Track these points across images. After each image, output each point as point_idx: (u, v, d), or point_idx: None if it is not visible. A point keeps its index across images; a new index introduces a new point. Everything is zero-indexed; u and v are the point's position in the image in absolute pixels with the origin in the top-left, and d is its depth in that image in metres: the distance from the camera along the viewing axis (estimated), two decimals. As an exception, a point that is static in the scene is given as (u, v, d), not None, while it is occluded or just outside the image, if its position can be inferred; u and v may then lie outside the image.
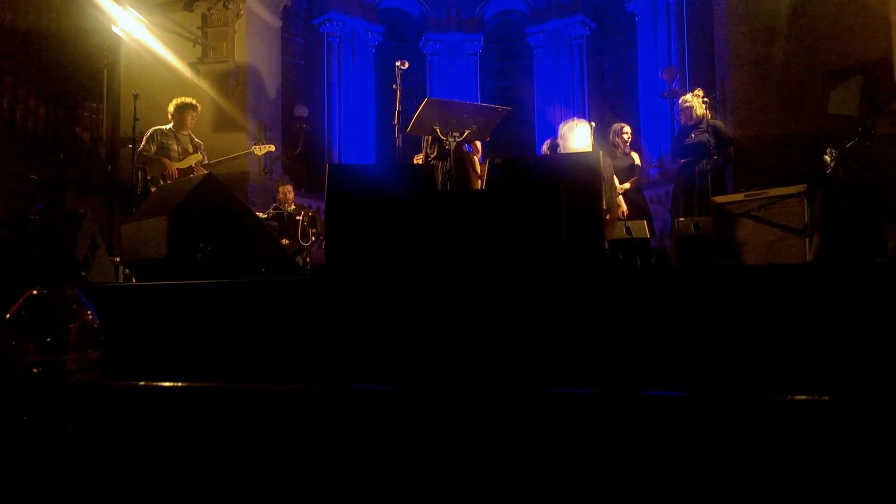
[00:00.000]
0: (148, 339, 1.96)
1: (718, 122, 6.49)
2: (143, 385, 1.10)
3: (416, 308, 2.24)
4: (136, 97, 6.36)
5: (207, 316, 1.90)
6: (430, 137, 5.48)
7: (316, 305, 2.31)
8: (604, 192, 4.65)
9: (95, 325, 1.12)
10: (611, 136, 6.78)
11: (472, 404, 1.24)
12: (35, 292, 1.11)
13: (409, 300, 2.27)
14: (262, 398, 1.06)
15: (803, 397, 0.94)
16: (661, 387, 1.69)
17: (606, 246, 4.53)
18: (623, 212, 5.81)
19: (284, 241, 7.59)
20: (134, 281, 4.11)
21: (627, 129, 6.67)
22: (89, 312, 1.12)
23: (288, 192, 8.41)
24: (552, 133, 12.18)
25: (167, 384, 1.09)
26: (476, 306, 2.17)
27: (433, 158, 5.48)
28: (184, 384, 1.06)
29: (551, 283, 2.15)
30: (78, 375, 1.07)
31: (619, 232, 5.35)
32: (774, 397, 1.03)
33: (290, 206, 8.36)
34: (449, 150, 4.78)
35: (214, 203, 3.65)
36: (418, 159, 5.61)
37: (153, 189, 5.85)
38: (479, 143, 5.37)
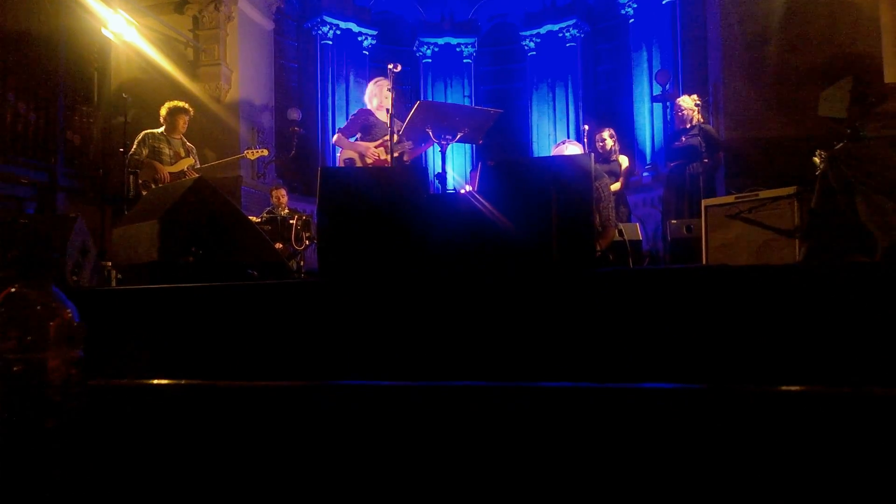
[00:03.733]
0: (136, 344, 1.95)
1: (709, 126, 6.53)
2: (124, 383, 1.09)
3: (408, 312, 2.23)
4: (126, 100, 6.33)
5: (197, 320, 1.89)
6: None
7: (307, 309, 2.30)
8: (600, 209, 4.68)
9: (75, 324, 1.11)
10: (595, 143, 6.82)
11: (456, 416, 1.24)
12: (14, 290, 1.11)
13: (401, 304, 2.26)
14: (245, 395, 1.05)
15: (795, 388, 0.94)
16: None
17: (598, 249, 4.54)
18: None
19: (278, 245, 7.58)
20: (125, 284, 4.09)
21: (606, 134, 6.68)
22: (69, 311, 1.11)
23: (281, 195, 8.40)
24: (546, 135, 12.24)
25: (147, 382, 1.09)
26: (469, 311, 2.17)
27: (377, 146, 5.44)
28: (166, 381, 1.05)
29: (543, 288, 2.15)
30: (58, 373, 1.06)
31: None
32: (765, 388, 1.03)
33: (283, 209, 8.34)
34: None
35: (206, 206, 3.63)
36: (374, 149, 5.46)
37: (145, 193, 5.83)
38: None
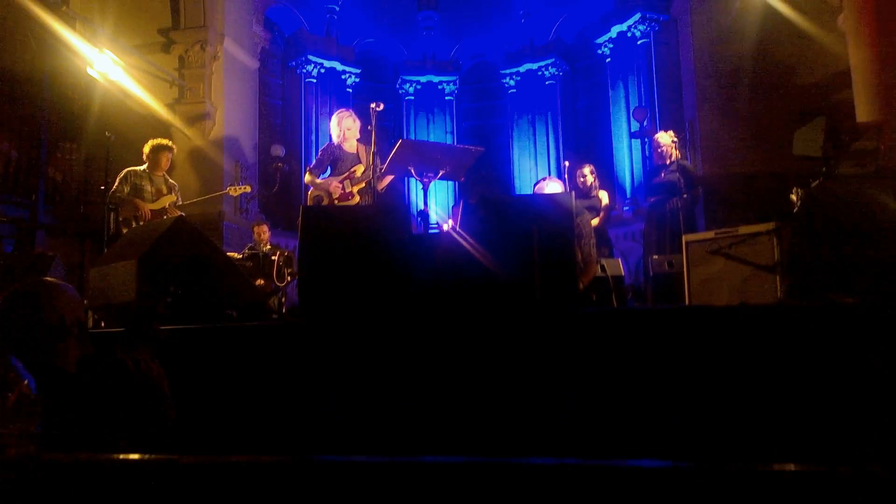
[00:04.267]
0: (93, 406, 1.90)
1: (687, 163, 6.63)
2: (84, 459, 1.05)
3: (390, 358, 2.21)
4: (109, 138, 6.31)
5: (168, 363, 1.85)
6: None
7: (285, 354, 2.27)
8: (581, 245, 4.70)
9: (32, 397, 1.07)
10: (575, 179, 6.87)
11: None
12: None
13: (382, 349, 2.24)
14: (212, 473, 1.02)
15: (791, 467, 0.92)
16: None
17: (581, 286, 4.55)
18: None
19: (259, 282, 7.51)
20: (102, 326, 4.02)
21: (586, 170, 6.75)
22: (26, 383, 1.08)
23: (263, 231, 8.37)
24: (527, 171, 12.36)
25: (110, 457, 1.04)
26: (449, 359, 2.15)
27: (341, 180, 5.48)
28: (127, 457, 1.01)
29: (526, 331, 2.14)
30: (14, 449, 1.02)
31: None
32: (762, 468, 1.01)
33: (265, 245, 8.30)
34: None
35: (185, 246, 3.60)
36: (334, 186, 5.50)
37: (125, 230, 5.77)
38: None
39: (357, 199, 5.42)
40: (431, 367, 2.21)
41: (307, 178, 5.74)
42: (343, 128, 5.59)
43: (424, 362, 2.22)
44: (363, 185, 5.38)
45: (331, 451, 1.89)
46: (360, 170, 5.44)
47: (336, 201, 5.45)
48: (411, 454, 1.81)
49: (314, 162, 5.81)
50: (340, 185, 5.45)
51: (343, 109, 5.80)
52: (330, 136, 5.87)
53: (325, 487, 1.23)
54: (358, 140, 5.62)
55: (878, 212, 2.81)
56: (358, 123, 5.59)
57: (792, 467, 1.29)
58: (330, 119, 12.13)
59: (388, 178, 5.37)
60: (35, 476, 1.03)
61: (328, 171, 5.64)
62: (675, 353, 2.08)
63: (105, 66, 7.93)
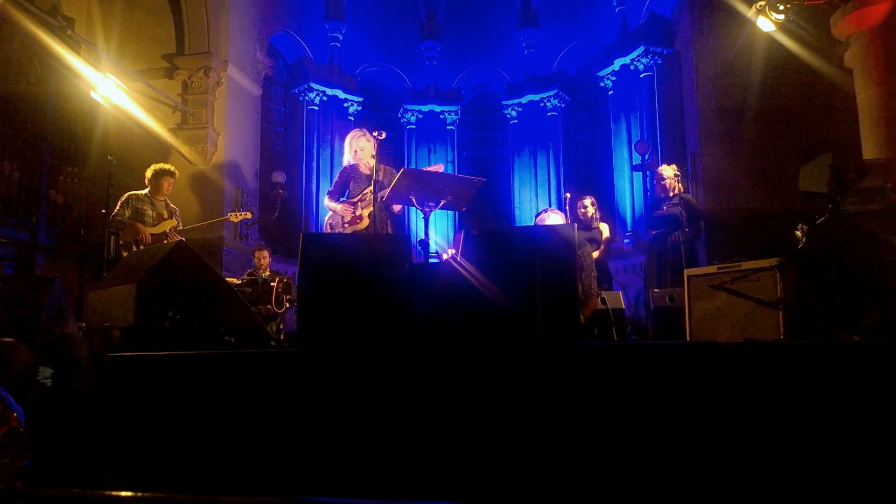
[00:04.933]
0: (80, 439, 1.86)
1: (689, 196, 6.64)
2: (73, 494, 1.01)
3: (387, 388, 2.17)
4: (111, 161, 6.33)
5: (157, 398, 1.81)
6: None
7: (281, 383, 2.23)
8: (582, 278, 4.68)
9: (21, 430, 1.04)
10: (576, 210, 6.88)
11: None
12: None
13: (380, 378, 2.20)
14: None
15: None
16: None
17: (582, 319, 4.51)
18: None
19: (259, 308, 7.47)
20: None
21: (587, 201, 6.76)
22: (15, 415, 1.05)
23: (263, 257, 8.36)
24: (528, 201, 12.39)
25: (101, 494, 1.01)
26: (448, 394, 2.11)
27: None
28: (119, 494, 0.97)
29: (528, 365, 2.11)
30: (0, 485, 0.98)
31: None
32: None
33: (265, 271, 8.28)
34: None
35: (184, 271, 3.58)
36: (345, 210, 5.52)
37: (125, 254, 5.76)
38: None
39: (366, 222, 5.38)
40: (430, 398, 2.17)
41: (325, 201, 5.74)
42: (355, 147, 5.57)
43: (423, 394, 2.18)
44: (372, 207, 5.35)
45: (325, 489, 1.84)
46: (370, 191, 5.40)
47: (347, 225, 5.42)
48: (409, 496, 1.76)
49: (332, 186, 5.80)
50: (351, 209, 5.44)
51: (357, 129, 5.78)
52: (344, 158, 5.87)
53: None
54: (376, 160, 5.55)
55: (884, 250, 2.80)
56: (373, 143, 5.43)
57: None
58: (332, 146, 12.25)
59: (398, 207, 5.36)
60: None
61: (346, 194, 5.63)
62: (678, 389, 2.04)
63: (108, 91, 7.98)
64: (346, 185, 5.61)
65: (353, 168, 5.59)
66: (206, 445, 2.09)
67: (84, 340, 3.28)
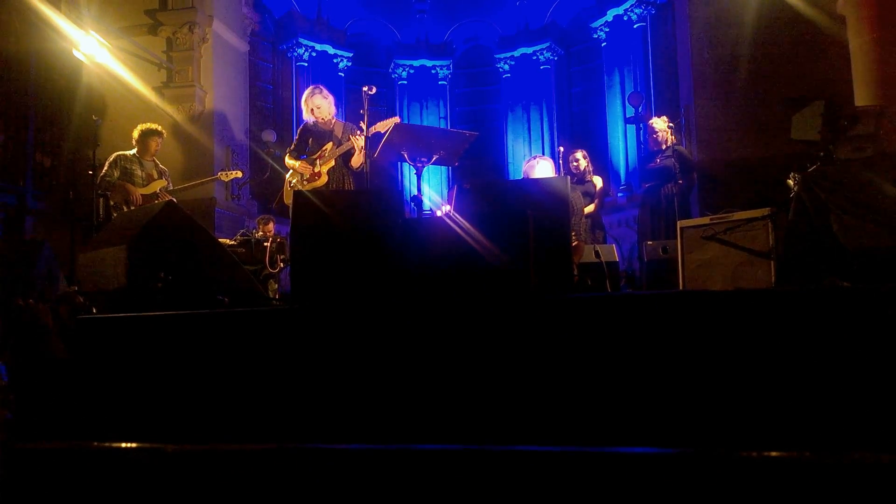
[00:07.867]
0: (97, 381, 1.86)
1: (682, 148, 6.59)
2: (54, 447, 1.01)
3: (382, 344, 2.18)
4: (96, 121, 6.23)
5: (153, 358, 1.82)
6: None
7: (276, 340, 2.24)
8: (571, 223, 4.67)
9: (3, 384, 1.04)
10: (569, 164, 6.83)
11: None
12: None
13: (374, 334, 2.21)
14: (201, 461, 0.98)
15: (775, 454, 0.90)
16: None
17: (575, 271, 4.53)
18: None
19: (252, 268, 7.46)
20: (94, 312, 3.97)
21: (579, 155, 6.69)
22: None
23: (269, 230, 8.34)
24: (521, 156, 12.31)
25: (91, 444, 1.01)
26: (442, 346, 2.12)
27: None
28: (111, 445, 0.97)
29: (521, 317, 2.11)
30: None
31: (588, 255, 5.35)
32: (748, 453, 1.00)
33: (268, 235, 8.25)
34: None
35: (176, 231, 3.55)
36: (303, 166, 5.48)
37: (116, 215, 5.71)
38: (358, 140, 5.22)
39: (325, 178, 5.35)
40: (424, 353, 2.18)
41: (286, 160, 5.69)
42: (311, 106, 5.51)
43: (417, 348, 2.20)
44: (332, 163, 5.34)
45: (320, 439, 1.87)
46: (329, 147, 5.37)
47: (305, 182, 5.41)
48: (403, 442, 1.79)
49: (293, 144, 5.75)
50: (311, 167, 5.42)
51: (311, 87, 5.73)
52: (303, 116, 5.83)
53: (312, 475, 1.20)
54: (336, 117, 5.53)
55: (876, 196, 2.80)
56: (330, 99, 5.49)
57: (775, 454, 1.26)
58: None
59: (362, 157, 5.24)
60: (7, 464, 1.00)
61: (308, 152, 5.59)
62: (671, 339, 2.06)
63: (91, 49, 7.81)
64: (306, 142, 5.57)
65: (314, 125, 5.54)
66: (202, 400, 2.11)
67: (46, 307, 3.27)
